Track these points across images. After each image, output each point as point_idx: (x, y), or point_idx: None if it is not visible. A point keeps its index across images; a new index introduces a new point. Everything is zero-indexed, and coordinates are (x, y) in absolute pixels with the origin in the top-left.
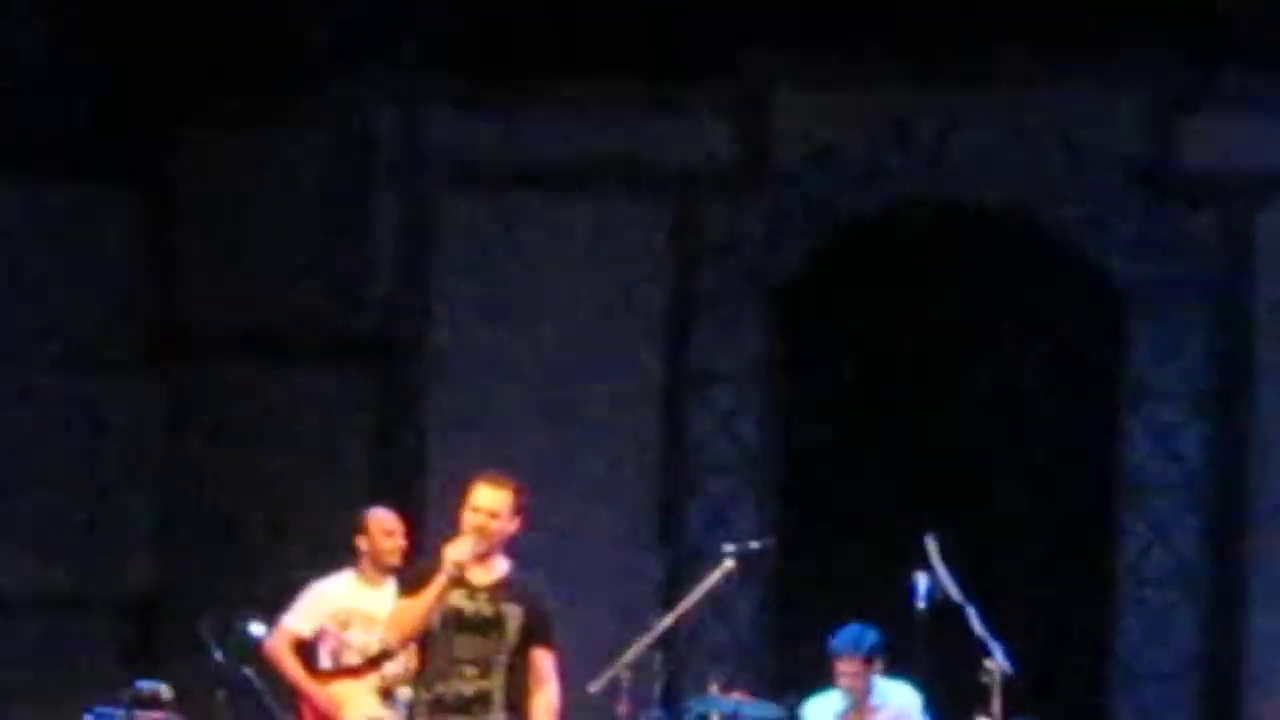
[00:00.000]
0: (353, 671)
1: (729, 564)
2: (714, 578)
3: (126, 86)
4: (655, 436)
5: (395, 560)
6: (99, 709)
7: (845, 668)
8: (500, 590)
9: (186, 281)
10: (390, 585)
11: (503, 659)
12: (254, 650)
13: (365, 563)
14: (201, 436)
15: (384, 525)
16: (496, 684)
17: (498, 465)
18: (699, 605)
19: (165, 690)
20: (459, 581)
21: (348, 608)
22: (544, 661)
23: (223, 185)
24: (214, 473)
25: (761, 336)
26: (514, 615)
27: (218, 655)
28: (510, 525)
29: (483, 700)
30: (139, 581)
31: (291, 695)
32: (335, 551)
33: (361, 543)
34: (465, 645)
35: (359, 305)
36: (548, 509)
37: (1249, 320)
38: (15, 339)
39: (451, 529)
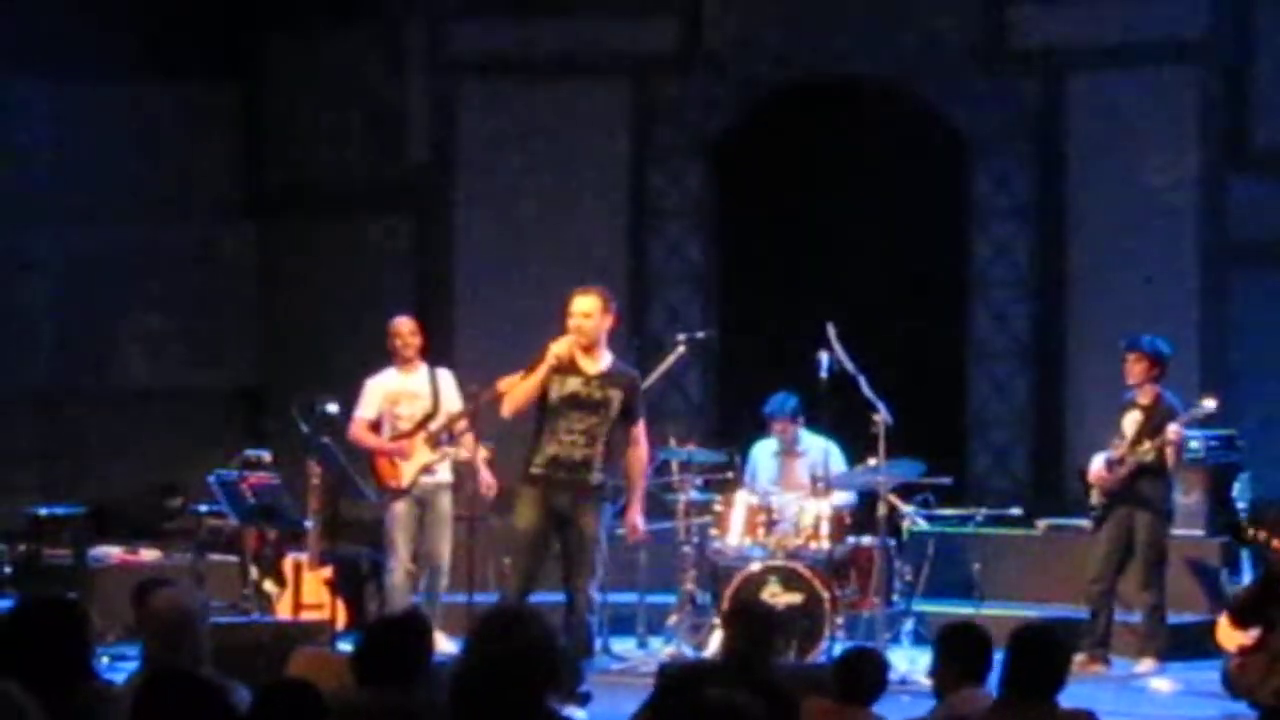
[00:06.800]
0: (408, 434)
1: (681, 349)
2: (670, 359)
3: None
4: (623, 258)
5: (413, 353)
6: (220, 471)
7: (777, 425)
8: (605, 378)
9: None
10: (419, 371)
11: (603, 431)
12: (329, 423)
13: (397, 358)
14: (287, 270)
15: (403, 329)
16: (597, 450)
17: (506, 294)
18: (661, 380)
19: (267, 455)
20: (558, 369)
21: (394, 390)
22: (635, 431)
23: (299, 81)
24: (299, 297)
25: (702, 182)
26: (615, 398)
27: (304, 428)
28: (604, 322)
29: (586, 464)
30: (248, 378)
31: (368, 458)
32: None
33: (391, 343)
34: (578, 420)
35: (403, 172)
36: (553, 325)
37: (1061, 154)
38: (143, 201)
39: (478, 337)
